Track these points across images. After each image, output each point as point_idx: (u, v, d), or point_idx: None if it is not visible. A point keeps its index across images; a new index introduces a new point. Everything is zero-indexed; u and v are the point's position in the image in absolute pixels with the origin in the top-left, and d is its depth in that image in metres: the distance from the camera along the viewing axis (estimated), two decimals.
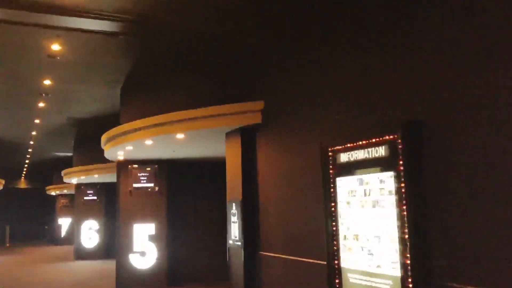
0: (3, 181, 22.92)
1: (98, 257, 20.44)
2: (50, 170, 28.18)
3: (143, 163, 13.11)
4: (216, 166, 13.69)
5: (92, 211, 20.72)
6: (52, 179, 28.59)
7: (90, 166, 17.25)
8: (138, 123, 9.61)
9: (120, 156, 12.17)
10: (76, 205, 21.13)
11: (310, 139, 6.82)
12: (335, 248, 5.92)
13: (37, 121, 15.22)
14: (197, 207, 13.65)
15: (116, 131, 10.32)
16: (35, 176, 33.55)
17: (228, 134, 8.96)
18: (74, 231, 23.08)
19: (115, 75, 10.69)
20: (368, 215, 5.42)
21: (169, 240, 13.06)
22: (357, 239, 5.59)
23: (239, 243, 8.36)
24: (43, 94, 11.98)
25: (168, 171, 13.34)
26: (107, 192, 20.84)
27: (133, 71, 10.11)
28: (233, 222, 8.61)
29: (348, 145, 5.73)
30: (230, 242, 8.74)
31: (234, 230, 8.56)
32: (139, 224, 12.94)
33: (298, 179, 7.13)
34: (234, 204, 8.61)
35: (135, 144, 10.32)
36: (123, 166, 13.12)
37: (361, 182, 5.56)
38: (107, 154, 11.98)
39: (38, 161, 25.96)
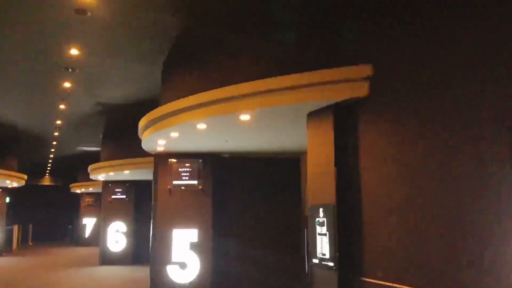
0: (25, 176, 21.00)
1: (125, 262, 18.25)
2: (75, 166, 26.20)
3: (184, 156, 10.84)
4: (277, 163, 11.39)
5: (120, 212, 18.53)
6: (77, 176, 26.62)
7: (122, 161, 15.05)
8: (190, 100, 7.30)
9: (160, 146, 9.89)
10: (102, 204, 18.98)
11: (476, 113, 4.39)
12: None
13: (62, 106, 13.08)
14: (248, 211, 11.31)
15: (160, 112, 8.04)
16: (60, 173, 31.66)
17: (312, 115, 6.58)
18: (99, 232, 21.08)
19: (159, 42, 8.41)
20: None
21: (215, 250, 10.74)
22: None
23: (330, 264, 5.97)
24: (69, 69, 9.78)
25: (214, 167, 11.03)
26: (136, 191, 18.68)
27: (184, 34, 7.82)
28: (320, 234, 6.22)
29: None
30: (315, 261, 6.34)
31: (322, 245, 6.17)
32: (179, 229, 10.65)
33: (447, 176, 4.68)
34: (321, 209, 6.22)
35: (182, 130, 8.03)
36: (162, 160, 10.86)
37: None
38: (145, 144, 9.72)
39: (62, 156, 23.97)
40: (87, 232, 27.27)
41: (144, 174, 15.85)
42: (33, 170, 28.40)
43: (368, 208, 5.74)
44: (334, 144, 6.10)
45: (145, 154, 14.17)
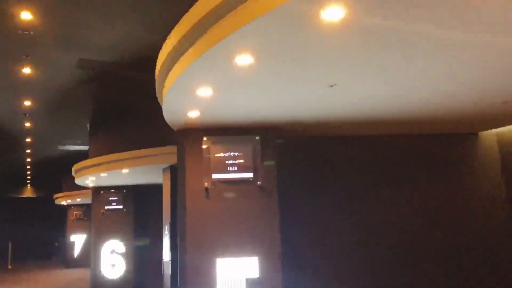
0: None
1: None
2: (58, 173, 21.22)
3: (229, 132, 6.19)
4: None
5: (116, 227, 13.80)
6: (61, 185, 21.63)
7: (120, 155, 10.20)
8: None
9: (194, 109, 5.17)
10: (93, 217, 14.19)
11: None
12: None
13: (27, 70, 8.29)
14: (346, 224, 6.60)
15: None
16: (42, 182, 26.56)
17: None
18: (90, 252, 16.28)
19: None
20: None
21: None
22: None
23: None
24: None
25: (282, 147, 6.36)
26: (137, 199, 13.91)
27: None
28: None
29: None
30: None
31: None
32: (227, 258, 5.94)
33: None
34: None
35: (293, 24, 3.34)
36: (191, 141, 6.16)
37: None
38: (172, 98, 4.87)
39: (43, 160, 19.01)
40: (76, 251, 22.37)
41: (149, 175, 11.15)
42: (12, 181, 23.47)
43: None
44: None
45: (153, 143, 9.64)
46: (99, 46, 7.64)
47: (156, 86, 5.15)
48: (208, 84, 4.35)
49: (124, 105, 10.35)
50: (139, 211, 13.86)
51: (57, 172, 21.34)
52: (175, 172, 8.81)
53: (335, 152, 6.57)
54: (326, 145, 6.52)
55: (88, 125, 12.80)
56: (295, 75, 4.18)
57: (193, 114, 5.39)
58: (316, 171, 6.60)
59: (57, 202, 22.01)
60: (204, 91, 4.52)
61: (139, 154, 9.76)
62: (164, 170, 10.13)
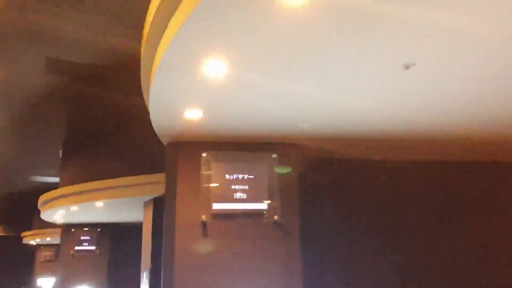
0: None
1: None
2: (29, 209, 19.11)
3: (234, 147, 4.59)
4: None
5: (88, 271, 11.91)
6: (31, 222, 19.48)
7: (94, 184, 8.44)
8: None
9: (193, 109, 3.58)
10: (61, 259, 12.28)
11: None
12: None
13: None
14: (388, 273, 4.91)
15: None
16: (13, 220, 24.23)
17: None
18: None
19: None
20: None
21: None
22: None
23: None
24: None
25: (306, 170, 4.75)
26: (113, 239, 12.04)
27: None
28: None
29: None
30: None
31: None
32: None
33: None
34: None
35: None
36: (187, 157, 4.54)
37: None
38: (162, 80, 3.27)
39: (10, 193, 17.02)
40: None
41: (129, 210, 9.42)
42: None
43: None
44: None
45: (135, 173, 8.03)
46: (72, 43, 6.07)
47: (142, 74, 3.55)
48: (222, 52, 2.77)
49: (103, 124, 8.71)
50: (115, 254, 11.97)
51: (29, 208, 19.23)
52: (160, 205, 7.15)
53: (376, 182, 4.96)
54: (365, 172, 4.91)
55: (60, 151, 11.05)
56: (358, 41, 2.63)
57: (193, 115, 3.77)
58: (350, 206, 4.96)
59: (25, 241, 19.80)
60: (214, 68, 2.93)
61: (117, 183, 8.04)
62: (146, 203, 8.41)
